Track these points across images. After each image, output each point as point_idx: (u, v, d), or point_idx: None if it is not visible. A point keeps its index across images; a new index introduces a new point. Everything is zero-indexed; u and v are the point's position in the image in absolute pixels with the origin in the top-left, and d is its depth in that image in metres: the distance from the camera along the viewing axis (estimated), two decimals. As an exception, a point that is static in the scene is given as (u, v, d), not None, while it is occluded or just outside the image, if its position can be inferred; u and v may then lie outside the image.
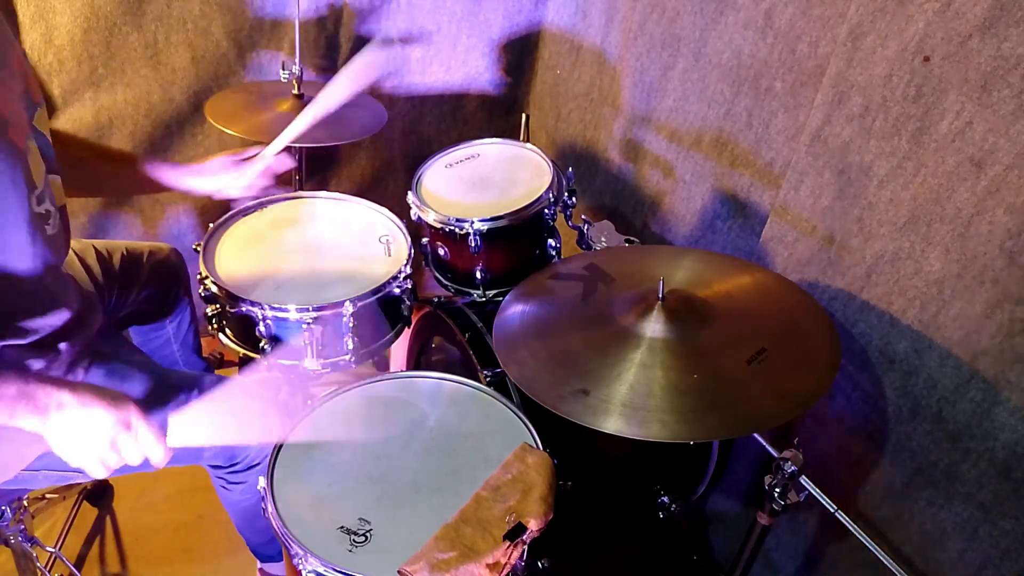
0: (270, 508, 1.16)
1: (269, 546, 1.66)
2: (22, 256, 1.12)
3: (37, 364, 1.21)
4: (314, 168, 2.53)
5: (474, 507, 1.15)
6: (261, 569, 1.75)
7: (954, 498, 1.30)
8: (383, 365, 2.39)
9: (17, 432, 1.22)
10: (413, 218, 1.80)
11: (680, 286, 1.34)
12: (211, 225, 1.68)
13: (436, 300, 1.91)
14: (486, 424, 1.34)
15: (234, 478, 1.49)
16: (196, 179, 1.57)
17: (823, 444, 1.55)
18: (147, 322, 1.83)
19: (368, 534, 1.13)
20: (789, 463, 1.19)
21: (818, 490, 1.20)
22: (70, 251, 1.41)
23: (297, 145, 2.08)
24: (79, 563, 1.88)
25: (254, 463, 1.46)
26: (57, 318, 1.21)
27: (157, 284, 1.76)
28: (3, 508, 1.49)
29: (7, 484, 1.30)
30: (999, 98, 1.14)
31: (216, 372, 2.30)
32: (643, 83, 2.09)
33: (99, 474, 1.10)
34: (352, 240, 1.71)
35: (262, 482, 1.20)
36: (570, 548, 1.58)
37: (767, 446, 1.25)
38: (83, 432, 1.07)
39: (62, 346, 1.24)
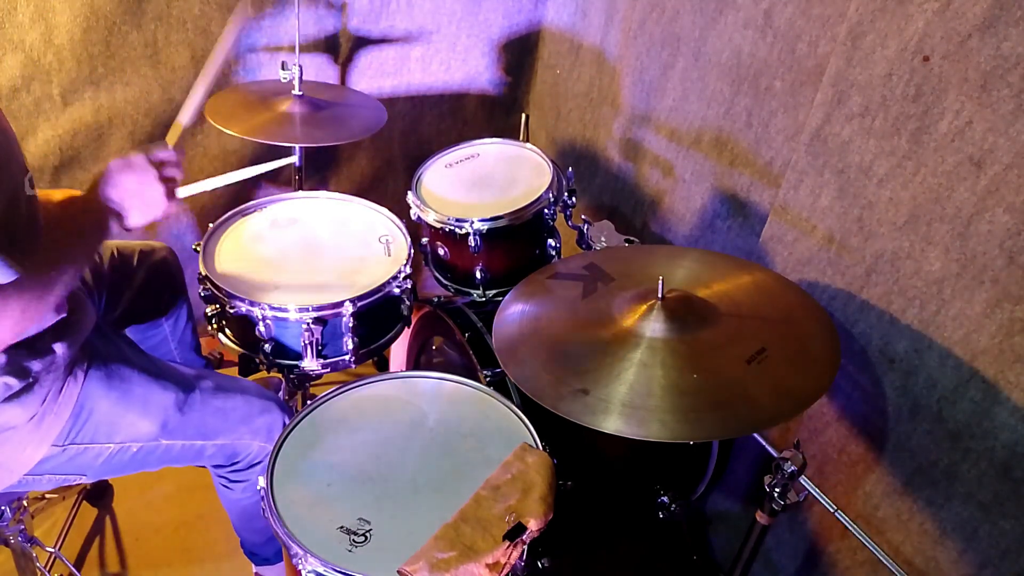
0: (270, 508, 1.16)
1: (267, 547, 1.66)
2: None
3: (35, 366, 1.21)
4: (314, 168, 2.53)
5: (474, 506, 1.15)
6: (257, 573, 1.75)
7: (954, 498, 1.30)
8: (383, 365, 2.39)
9: (21, 436, 1.22)
10: (413, 218, 1.80)
11: (680, 286, 1.34)
12: (211, 225, 1.68)
13: (436, 300, 1.91)
14: (486, 424, 1.34)
15: (236, 476, 1.49)
16: None
17: (823, 444, 1.55)
18: (143, 321, 1.82)
19: (368, 534, 1.13)
20: (789, 463, 1.19)
21: (818, 490, 1.20)
22: None
23: (297, 145, 2.08)
24: (79, 563, 1.88)
25: (255, 461, 1.46)
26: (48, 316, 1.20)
27: (151, 283, 1.73)
28: (3, 508, 1.49)
29: (11, 487, 1.30)
30: (999, 98, 1.14)
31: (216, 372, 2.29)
32: (643, 82, 2.09)
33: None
34: (352, 240, 1.71)
35: (262, 482, 1.20)
36: (570, 548, 1.58)
37: (767, 446, 1.25)
38: None
39: (57, 348, 1.23)
